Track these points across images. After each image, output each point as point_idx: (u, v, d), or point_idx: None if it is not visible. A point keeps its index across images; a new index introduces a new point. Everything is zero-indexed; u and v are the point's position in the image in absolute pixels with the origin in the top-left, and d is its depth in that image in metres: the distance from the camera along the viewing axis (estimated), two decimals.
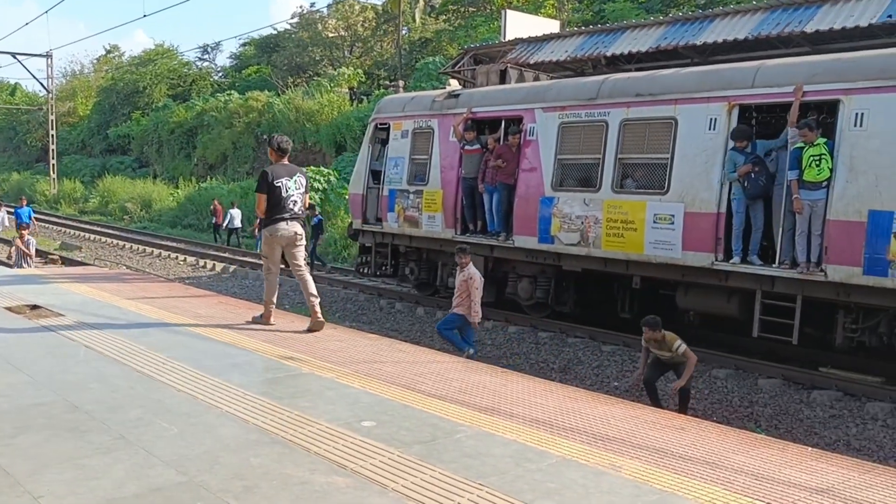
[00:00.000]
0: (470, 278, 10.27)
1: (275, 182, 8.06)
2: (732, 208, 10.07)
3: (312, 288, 8.32)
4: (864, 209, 8.87)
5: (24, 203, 26.53)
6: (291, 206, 8.15)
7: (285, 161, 8.34)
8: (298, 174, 8.31)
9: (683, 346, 8.78)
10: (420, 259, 15.17)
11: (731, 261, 10.08)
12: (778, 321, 9.74)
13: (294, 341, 7.79)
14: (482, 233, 13.43)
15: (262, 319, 8.53)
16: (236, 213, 27.24)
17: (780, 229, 9.76)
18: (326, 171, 28.07)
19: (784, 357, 10.69)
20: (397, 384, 6.27)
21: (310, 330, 8.23)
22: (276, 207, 8.11)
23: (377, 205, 15.49)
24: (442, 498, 3.99)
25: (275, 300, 8.58)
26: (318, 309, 8.26)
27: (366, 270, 16.38)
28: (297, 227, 8.24)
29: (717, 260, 10.18)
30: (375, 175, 15.62)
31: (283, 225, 8.12)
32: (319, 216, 20.98)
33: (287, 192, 8.11)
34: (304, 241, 8.44)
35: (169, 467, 4.27)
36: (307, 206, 8.54)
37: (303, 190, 8.28)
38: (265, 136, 37.50)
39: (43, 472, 4.15)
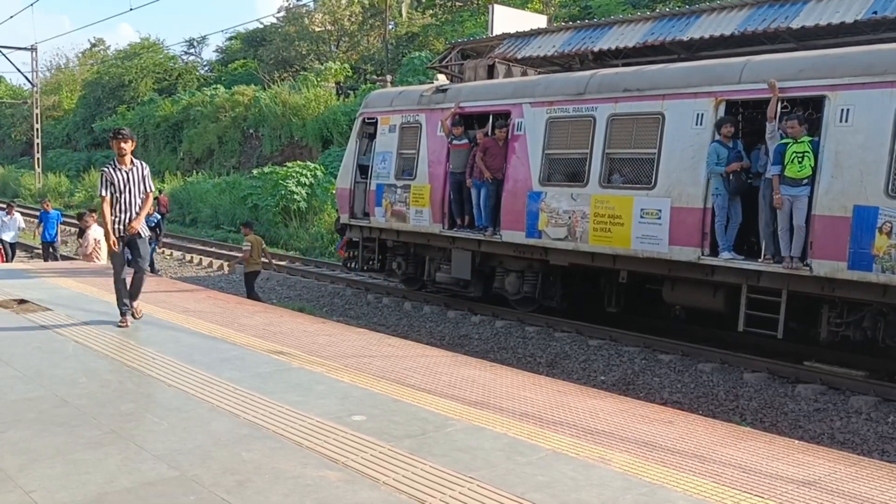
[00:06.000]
0: None
1: None
2: (714, 204, 10.12)
3: None
4: (849, 204, 8.94)
5: (49, 206, 18.67)
6: None
7: None
8: None
9: (244, 246, 13.67)
10: (407, 254, 15.17)
11: (719, 255, 10.13)
12: (763, 315, 9.82)
13: (284, 336, 7.80)
14: (469, 227, 13.44)
15: None
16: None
17: (765, 225, 9.83)
18: (313, 165, 27.96)
19: (769, 351, 10.77)
20: (387, 378, 6.29)
21: None
22: None
23: (364, 199, 15.47)
24: (433, 491, 4.01)
25: None
26: None
27: (353, 265, 16.37)
28: None
29: (703, 255, 10.24)
30: (363, 169, 15.59)
31: None
32: (157, 217, 17.28)
33: None
34: None
35: (161, 462, 4.28)
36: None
37: None
38: (251, 131, 37.41)
39: (34, 467, 4.15)
